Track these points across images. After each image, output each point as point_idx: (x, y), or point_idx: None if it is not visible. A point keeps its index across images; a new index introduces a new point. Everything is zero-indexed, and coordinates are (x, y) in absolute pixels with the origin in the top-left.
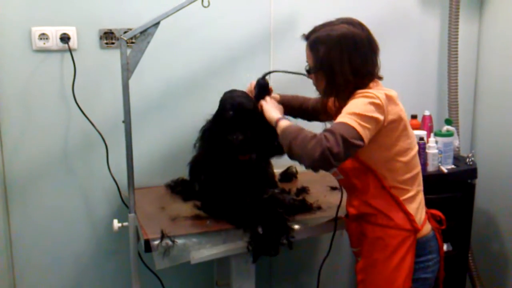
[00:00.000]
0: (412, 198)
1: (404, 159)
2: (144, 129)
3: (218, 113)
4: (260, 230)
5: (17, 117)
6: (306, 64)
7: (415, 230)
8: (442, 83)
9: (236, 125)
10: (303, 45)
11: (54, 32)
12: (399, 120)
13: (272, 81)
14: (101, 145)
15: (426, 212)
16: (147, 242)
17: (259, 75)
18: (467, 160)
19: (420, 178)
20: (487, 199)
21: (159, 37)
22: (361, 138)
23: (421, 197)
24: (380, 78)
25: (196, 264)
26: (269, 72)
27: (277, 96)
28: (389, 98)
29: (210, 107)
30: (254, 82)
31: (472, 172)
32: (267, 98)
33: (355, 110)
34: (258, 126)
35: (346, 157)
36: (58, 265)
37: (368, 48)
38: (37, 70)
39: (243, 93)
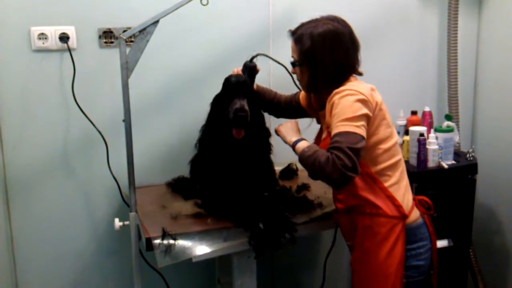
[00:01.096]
0: (396, 184)
1: (384, 146)
2: (144, 127)
3: (221, 89)
4: (261, 225)
5: (17, 116)
6: (292, 58)
7: (403, 216)
8: (442, 79)
9: (236, 93)
10: None
11: (53, 32)
12: (378, 109)
13: (271, 79)
14: (101, 144)
15: (414, 199)
16: (149, 241)
17: (258, 74)
18: (468, 155)
19: (402, 166)
20: (488, 194)
21: (158, 35)
22: (362, 138)
23: (405, 184)
24: (359, 74)
25: (197, 261)
26: (256, 55)
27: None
28: (372, 90)
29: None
30: (239, 68)
31: (472, 168)
32: (283, 122)
33: (346, 116)
34: (256, 111)
35: (359, 161)
36: (60, 264)
37: (350, 43)
38: (36, 70)
39: (247, 78)
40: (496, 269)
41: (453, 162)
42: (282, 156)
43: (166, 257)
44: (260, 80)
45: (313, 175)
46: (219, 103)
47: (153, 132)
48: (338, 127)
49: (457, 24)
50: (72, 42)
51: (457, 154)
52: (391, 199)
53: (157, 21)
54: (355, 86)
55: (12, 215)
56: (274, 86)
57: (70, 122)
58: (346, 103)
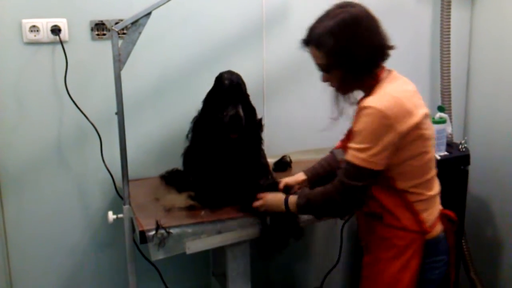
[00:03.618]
0: (424, 201)
1: (416, 163)
2: (137, 120)
3: (213, 88)
4: (268, 220)
5: (9, 110)
6: (318, 67)
7: (424, 232)
8: (435, 70)
9: (230, 98)
10: (295, 34)
11: (45, 24)
12: (415, 127)
13: (264, 74)
14: (94, 137)
15: (440, 213)
16: (142, 233)
17: (251, 65)
18: (460, 146)
19: (434, 182)
20: (480, 185)
21: (151, 27)
22: (371, 172)
23: (434, 200)
24: (391, 48)
25: (192, 253)
26: None
27: (302, 176)
28: (413, 96)
29: (203, 97)
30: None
31: (465, 159)
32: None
33: (362, 143)
34: (248, 107)
35: (363, 195)
36: (54, 258)
37: (372, 22)
38: (28, 63)
39: (239, 75)
40: (488, 259)
41: (446, 153)
42: (275, 148)
43: (160, 250)
44: (254, 74)
45: (318, 216)
46: (212, 102)
47: (147, 125)
48: (351, 153)
49: (449, 15)
50: (64, 35)
51: (450, 145)
52: (415, 214)
53: (149, 13)
54: (390, 93)
55: (6, 209)
56: (267, 81)
57: (63, 115)
58: (368, 124)
